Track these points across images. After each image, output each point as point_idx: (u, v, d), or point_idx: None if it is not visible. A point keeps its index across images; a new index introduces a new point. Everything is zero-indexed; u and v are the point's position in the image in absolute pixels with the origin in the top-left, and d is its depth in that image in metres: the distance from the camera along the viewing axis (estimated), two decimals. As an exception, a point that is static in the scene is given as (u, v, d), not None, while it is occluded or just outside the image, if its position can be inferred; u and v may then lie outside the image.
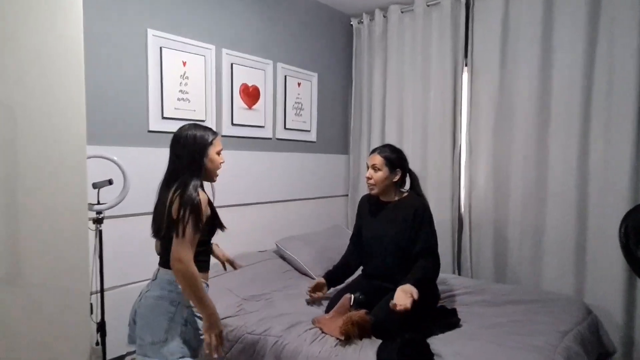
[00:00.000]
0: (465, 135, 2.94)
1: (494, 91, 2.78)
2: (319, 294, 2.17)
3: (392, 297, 1.77)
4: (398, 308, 1.67)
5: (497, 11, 2.74)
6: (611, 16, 2.36)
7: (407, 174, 2.14)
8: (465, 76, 2.95)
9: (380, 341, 1.72)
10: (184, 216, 1.38)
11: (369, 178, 2.06)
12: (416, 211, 2.00)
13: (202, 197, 1.44)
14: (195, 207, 1.40)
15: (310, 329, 1.85)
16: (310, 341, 1.76)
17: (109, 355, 2.07)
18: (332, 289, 2.24)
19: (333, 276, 2.24)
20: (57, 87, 1.46)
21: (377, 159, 2.04)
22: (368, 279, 2.13)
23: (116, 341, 2.11)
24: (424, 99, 3.10)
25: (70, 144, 1.50)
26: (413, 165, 3.18)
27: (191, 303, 1.48)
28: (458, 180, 3.01)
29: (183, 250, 1.38)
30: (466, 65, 2.93)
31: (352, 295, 1.92)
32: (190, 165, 1.48)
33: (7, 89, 1.34)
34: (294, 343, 1.77)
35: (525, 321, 1.94)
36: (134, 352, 2.23)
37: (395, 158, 2.06)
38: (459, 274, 2.96)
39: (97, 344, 1.87)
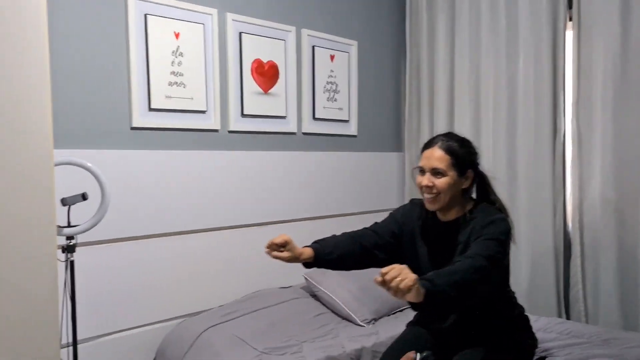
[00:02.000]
0: (572, 120, 2.86)
1: (614, 55, 2.70)
2: (283, 254, 1.83)
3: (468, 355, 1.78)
4: (376, 279, 1.43)
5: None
6: None
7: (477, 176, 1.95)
8: (570, 35, 2.88)
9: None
10: None
11: (428, 187, 1.83)
12: (474, 228, 1.79)
13: None
14: None
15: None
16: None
17: None
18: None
19: (327, 256, 1.90)
20: (10, 73, 1.55)
21: (438, 157, 1.82)
22: (431, 332, 2.04)
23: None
24: (510, 71, 3.06)
25: (32, 148, 1.57)
26: (496, 167, 3.14)
27: None
28: (562, 185, 2.94)
29: None
30: (571, 19, 2.87)
31: (418, 355, 1.85)
32: None
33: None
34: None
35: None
36: None
37: (465, 153, 1.85)
38: (568, 318, 2.89)
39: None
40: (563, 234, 2.96)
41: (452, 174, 1.80)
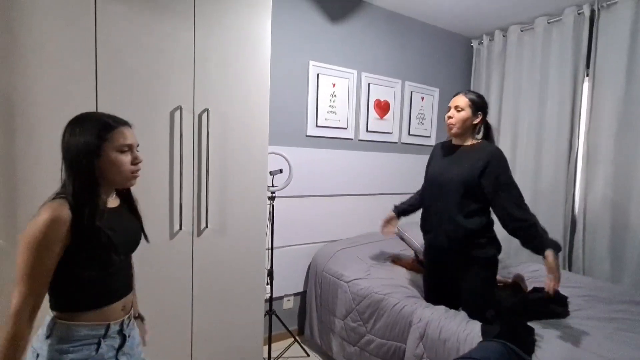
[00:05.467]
0: (584, 141, 2.53)
1: (618, 99, 2.34)
2: (390, 228, 2.05)
3: (467, 295, 1.67)
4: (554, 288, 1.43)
5: (625, 20, 2.30)
6: None
7: (484, 124, 1.73)
8: (586, 85, 2.54)
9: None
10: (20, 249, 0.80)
11: (450, 117, 1.68)
12: (490, 160, 1.58)
13: (53, 215, 0.81)
14: (30, 234, 0.80)
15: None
16: (424, 306, 1.77)
17: (273, 294, 2.34)
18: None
19: (402, 209, 2.08)
20: (252, 103, 1.73)
21: (462, 100, 1.66)
22: (431, 246, 1.86)
23: (278, 284, 2.38)
24: (540, 107, 2.76)
25: (258, 143, 1.75)
26: (525, 165, 2.90)
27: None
28: (573, 183, 2.62)
29: (15, 298, 0.80)
30: (587, 75, 2.52)
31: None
32: (67, 172, 0.87)
33: (223, 103, 1.66)
34: (412, 307, 1.79)
35: (641, 321, 1.61)
36: (291, 294, 2.50)
37: (479, 101, 1.67)
38: (570, 270, 2.58)
39: (267, 283, 2.15)
40: (570, 216, 2.63)
41: (467, 110, 1.65)
